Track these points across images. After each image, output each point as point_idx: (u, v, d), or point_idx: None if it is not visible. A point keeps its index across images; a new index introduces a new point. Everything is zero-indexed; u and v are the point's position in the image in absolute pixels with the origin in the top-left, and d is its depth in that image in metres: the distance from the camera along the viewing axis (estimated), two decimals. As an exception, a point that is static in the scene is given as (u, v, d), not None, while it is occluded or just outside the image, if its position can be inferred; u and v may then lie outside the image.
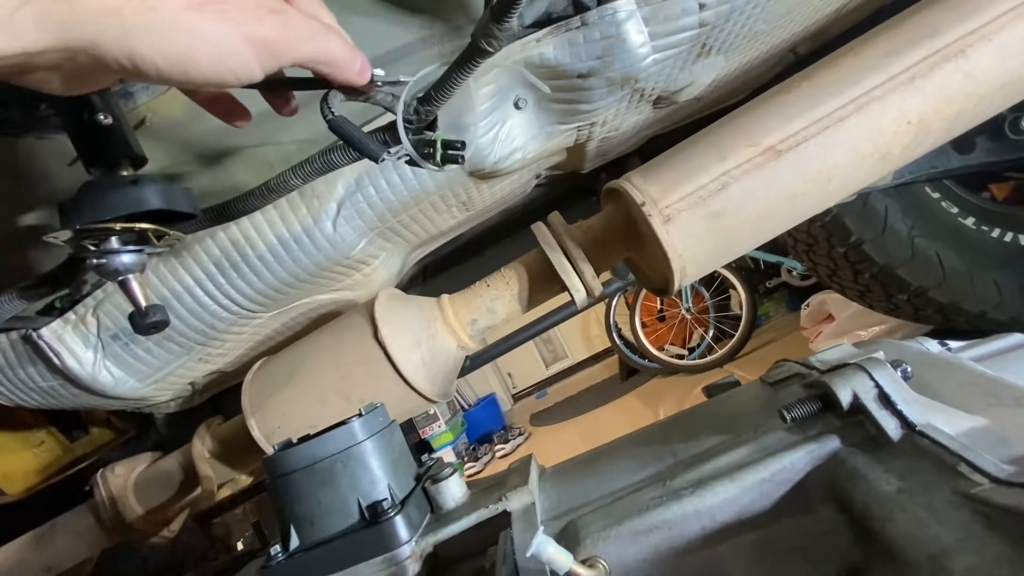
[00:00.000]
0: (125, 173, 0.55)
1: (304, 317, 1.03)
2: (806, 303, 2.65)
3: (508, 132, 0.80)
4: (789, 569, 0.34)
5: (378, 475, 0.50)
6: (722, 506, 0.37)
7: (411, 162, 0.51)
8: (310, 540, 0.48)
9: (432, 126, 0.54)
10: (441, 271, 1.33)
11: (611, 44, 0.70)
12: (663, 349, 3.75)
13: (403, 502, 0.49)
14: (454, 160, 0.46)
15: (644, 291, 3.62)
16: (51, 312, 0.83)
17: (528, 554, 0.36)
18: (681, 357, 3.68)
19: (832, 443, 0.37)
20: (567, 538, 0.40)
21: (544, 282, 0.81)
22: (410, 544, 0.46)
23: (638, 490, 0.42)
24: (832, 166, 0.66)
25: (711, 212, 0.67)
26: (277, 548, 0.49)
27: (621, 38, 0.70)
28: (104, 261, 0.55)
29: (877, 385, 0.36)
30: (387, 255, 0.98)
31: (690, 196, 0.67)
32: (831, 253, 1.53)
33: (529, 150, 0.84)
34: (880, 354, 0.41)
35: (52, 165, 0.68)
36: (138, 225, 0.55)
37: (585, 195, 1.28)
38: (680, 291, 3.64)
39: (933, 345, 0.48)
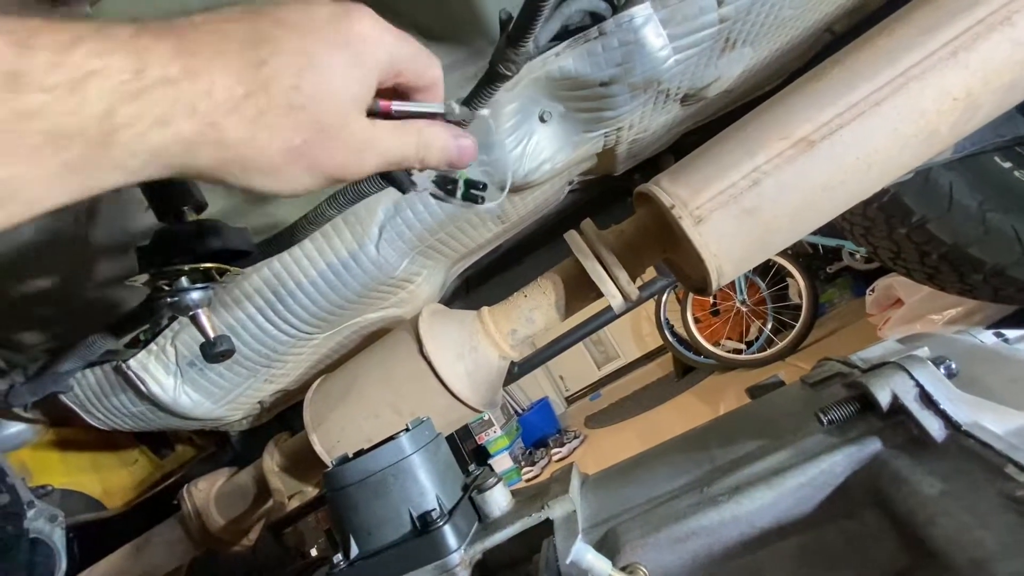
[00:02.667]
0: (190, 219, 0.61)
1: (356, 335, 1.08)
2: (871, 288, 2.49)
3: (535, 145, 0.82)
4: (833, 575, 0.34)
5: (427, 486, 0.52)
6: (760, 512, 0.37)
7: (436, 195, 0.54)
8: (368, 549, 0.52)
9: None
10: (483, 282, 1.36)
11: (630, 50, 0.71)
12: (719, 344, 3.62)
13: (451, 512, 0.52)
14: (474, 200, 0.49)
15: (694, 286, 3.50)
16: (136, 345, 0.92)
17: (567, 561, 0.38)
18: (739, 352, 3.55)
19: (873, 445, 0.36)
20: (607, 545, 0.41)
21: (580, 289, 0.82)
22: (459, 552, 0.49)
23: (676, 497, 0.42)
24: (871, 152, 0.63)
25: (744, 209, 0.65)
26: (339, 556, 0.53)
27: (640, 43, 0.70)
28: (177, 299, 0.61)
29: (918, 384, 0.35)
30: (429, 272, 1.02)
31: (721, 195, 0.66)
32: (892, 235, 1.44)
33: (558, 160, 0.86)
34: (924, 350, 0.39)
35: (129, 212, 0.76)
36: (203, 265, 0.60)
37: (620, 196, 1.28)
38: (733, 283, 3.51)
39: (987, 336, 0.45)
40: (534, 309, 0.84)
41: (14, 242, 0.72)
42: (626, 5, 0.70)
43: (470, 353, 0.84)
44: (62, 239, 0.75)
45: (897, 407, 0.36)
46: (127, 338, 0.92)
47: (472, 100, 0.54)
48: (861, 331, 2.71)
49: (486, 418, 3.83)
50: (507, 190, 0.57)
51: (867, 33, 0.67)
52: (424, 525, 0.50)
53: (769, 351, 3.28)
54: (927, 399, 0.34)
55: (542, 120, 0.81)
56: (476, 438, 3.87)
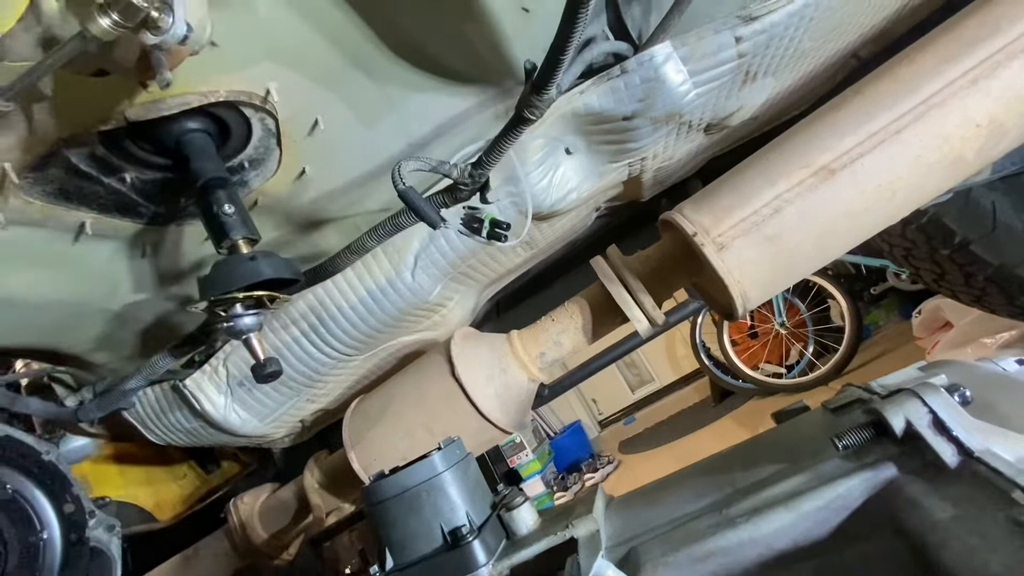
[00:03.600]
0: (245, 251, 0.67)
1: (392, 357, 1.13)
2: (918, 309, 2.39)
3: (562, 176, 0.86)
4: (851, 598, 0.34)
5: (457, 503, 0.55)
6: (777, 534, 0.38)
7: (463, 232, 0.58)
8: (402, 561, 0.55)
9: (485, 187, 0.61)
10: (513, 306, 1.39)
11: (652, 86, 0.74)
12: (758, 368, 3.51)
13: (480, 528, 0.54)
14: (498, 238, 0.52)
15: (730, 307, 3.42)
16: (192, 365, 0.99)
17: (589, 577, 0.39)
18: (779, 376, 3.43)
19: (888, 471, 0.37)
20: (629, 564, 0.43)
21: (606, 314, 0.84)
22: (487, 567, 0.51)
23: (696, 518, 0.43)
24: (894, 179, 0.64)
25: (766, 236, 0.67)
26: (375, 568, 0.56)
27: (661, 79, 0.73)
28: (232, 324, 0.67)
29: (931, 411, 0.36)
30: (461, 296, 1.07)
31: (743, 223, 0.68)
32: (934, 257, 1.40)
33: (583, 190, 0.89)
34: (941, 378, 0.39)
35: (189, 244, 0.84)
36: (256, 293, 0.66)
37: (648, 221, 1.30)
38: (771, 305, 3.42)
39: (1009, 364, 0.45)
40: (562, 333, 0.87)
41: (87, 273, 0.80)
42: (647, 44, 0.74)
43: (500, 375, 0.87)
44: (130, 270, 0.83)
45: (911, 433, 0.37)
46: (184, 359, 0.99)
47: (498, 143, 0.58)
48: (909, 355, 2.59)
49: (517, 440, 3.82)
50: (529, 221, 0.60)
51: (887, 63, 0.68)
52: (455, 540, 0.53)
53: (811, 375, 3.16)
54: (940, 426, 0.35)
55: (568, 152, 0.85)
56: (508, 461, 3.84)
